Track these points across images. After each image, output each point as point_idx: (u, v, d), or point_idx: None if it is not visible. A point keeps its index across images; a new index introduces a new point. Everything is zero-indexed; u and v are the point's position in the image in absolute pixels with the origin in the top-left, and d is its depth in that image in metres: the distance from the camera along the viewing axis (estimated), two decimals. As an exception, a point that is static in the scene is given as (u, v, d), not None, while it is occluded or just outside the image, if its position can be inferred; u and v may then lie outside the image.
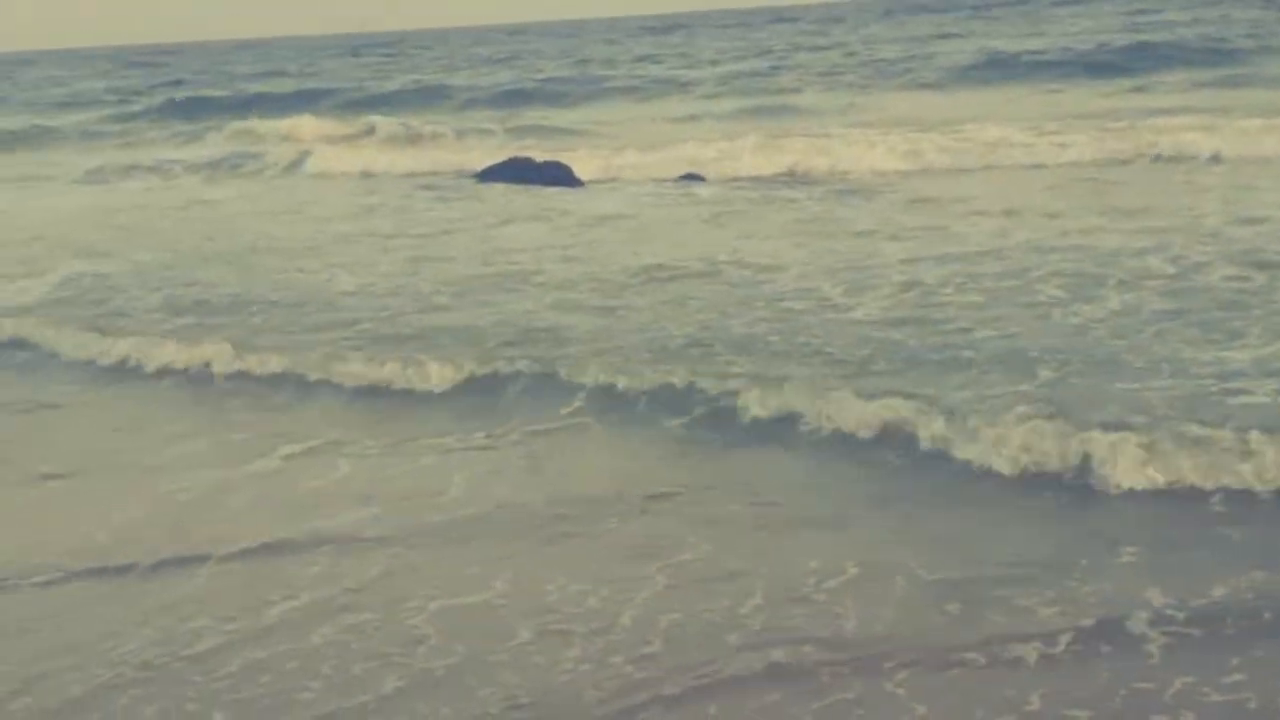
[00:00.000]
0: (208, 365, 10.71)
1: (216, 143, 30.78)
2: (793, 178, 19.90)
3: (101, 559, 7.03)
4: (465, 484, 7.89)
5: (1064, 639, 5.52)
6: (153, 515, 7.73)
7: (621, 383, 9.25)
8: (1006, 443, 7.44)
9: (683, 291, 12.00)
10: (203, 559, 6.93)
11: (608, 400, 9.12)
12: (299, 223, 18.51)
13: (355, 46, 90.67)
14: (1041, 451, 7.37)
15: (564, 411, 9.04)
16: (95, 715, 5.46)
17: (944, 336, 9.84)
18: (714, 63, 47.83)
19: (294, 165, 24.87)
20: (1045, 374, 8.67)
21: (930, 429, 7.82)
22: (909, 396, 8.23)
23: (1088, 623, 5.63)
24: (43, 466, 8.75)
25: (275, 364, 10.45)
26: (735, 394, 8.71)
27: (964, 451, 7.57)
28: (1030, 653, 5.44)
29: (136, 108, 44.05)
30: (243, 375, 10.52)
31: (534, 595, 6.30)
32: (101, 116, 42.35)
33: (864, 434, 8.03)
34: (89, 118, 42.38)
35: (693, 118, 30.73)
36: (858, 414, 8.16)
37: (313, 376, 10.18)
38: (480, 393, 9.59)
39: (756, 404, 8.53)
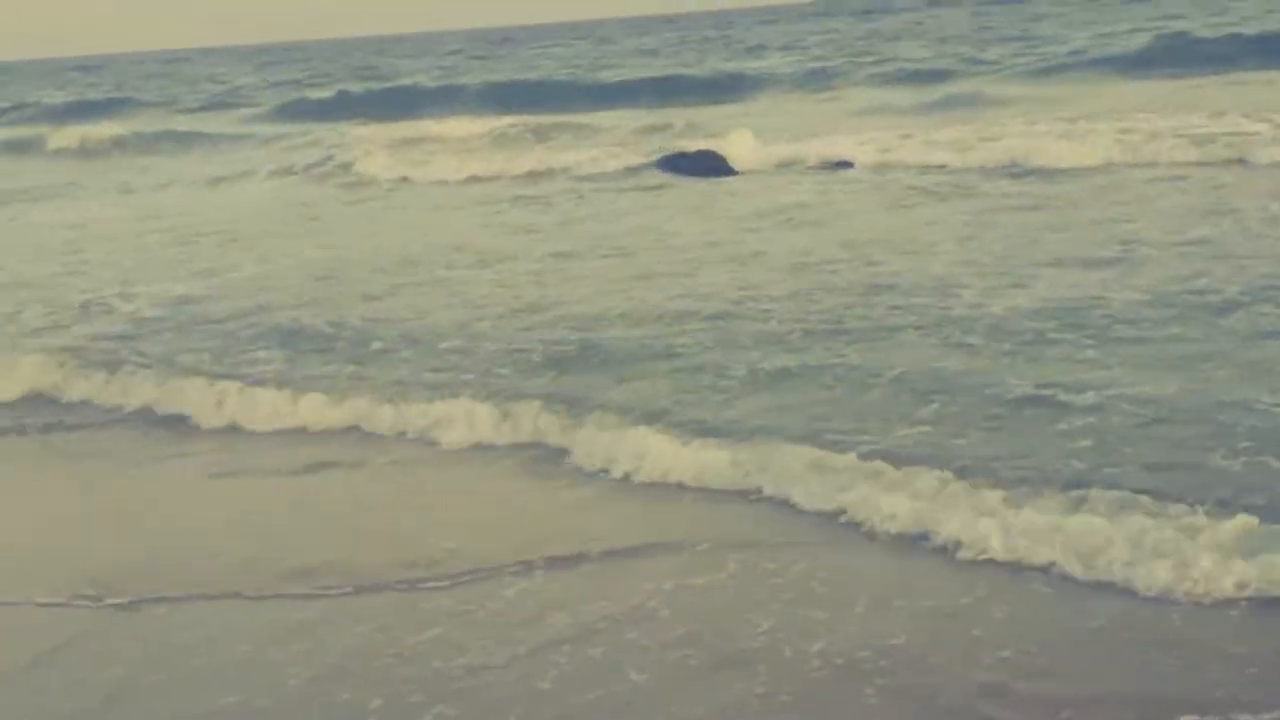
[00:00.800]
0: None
1: (366, 141, 30.43)
2: (949, 167, 19.09)
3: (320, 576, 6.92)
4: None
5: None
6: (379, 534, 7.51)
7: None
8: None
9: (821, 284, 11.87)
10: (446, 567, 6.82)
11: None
12: (442, 223, 18.41)
13: (503, 40, 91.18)
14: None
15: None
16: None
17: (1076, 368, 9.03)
18: (866, 52, 46.98)
19: (428, 167, 24.36)
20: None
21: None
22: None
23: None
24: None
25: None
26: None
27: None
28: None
29: (289, 102, 44.49)
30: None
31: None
32: (259, 113, 42.87)
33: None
34: (248, 114, 42.95)
35: (849, 106, 30.08)
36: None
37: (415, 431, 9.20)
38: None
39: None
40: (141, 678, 5.92)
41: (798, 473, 7.37)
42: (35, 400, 10.63)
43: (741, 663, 5.56)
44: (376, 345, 11.02)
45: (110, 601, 6.72)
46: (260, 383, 10.08)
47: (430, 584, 6.61)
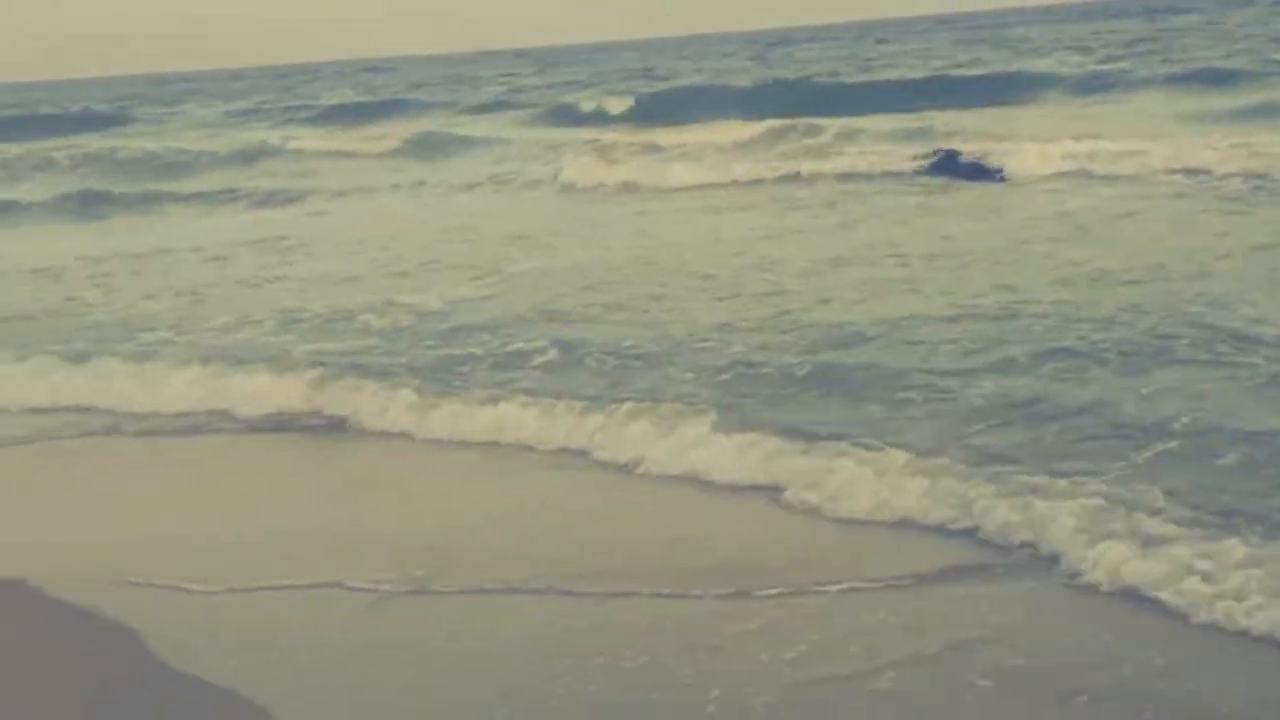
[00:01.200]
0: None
1: (632, 143, 30.49)
2: (1242, 174, 18.13)
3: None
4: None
5: None
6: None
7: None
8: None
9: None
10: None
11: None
12: (709, 226, 18.53)
13: (779, 41, 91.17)
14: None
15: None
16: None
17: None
18: (1152, 53, 45.24)
19: (693, 169, 24.36)
20: None
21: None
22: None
23: None
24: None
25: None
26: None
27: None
28: None
29: (565, 104, 45.18)
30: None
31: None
32: (536, 114, 43.62)
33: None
34: (525, 115, 43.78)
35: (1135, 109, 29.05)
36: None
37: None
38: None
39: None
40: (460, 662, 6.12)
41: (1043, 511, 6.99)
42: (320, 408, 10.73)
43: (1078, 693, 5.42)
44: (637, 353, 11.01)
45: (421, 589, 6.96)
46: (531, 393, 10.12)
47: (761, 593, 6.61)
